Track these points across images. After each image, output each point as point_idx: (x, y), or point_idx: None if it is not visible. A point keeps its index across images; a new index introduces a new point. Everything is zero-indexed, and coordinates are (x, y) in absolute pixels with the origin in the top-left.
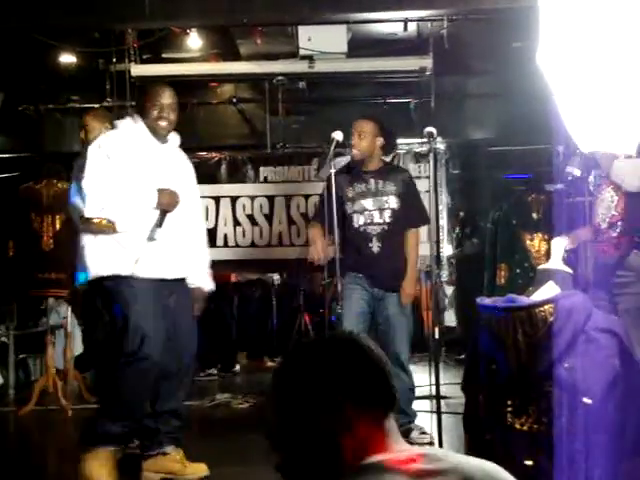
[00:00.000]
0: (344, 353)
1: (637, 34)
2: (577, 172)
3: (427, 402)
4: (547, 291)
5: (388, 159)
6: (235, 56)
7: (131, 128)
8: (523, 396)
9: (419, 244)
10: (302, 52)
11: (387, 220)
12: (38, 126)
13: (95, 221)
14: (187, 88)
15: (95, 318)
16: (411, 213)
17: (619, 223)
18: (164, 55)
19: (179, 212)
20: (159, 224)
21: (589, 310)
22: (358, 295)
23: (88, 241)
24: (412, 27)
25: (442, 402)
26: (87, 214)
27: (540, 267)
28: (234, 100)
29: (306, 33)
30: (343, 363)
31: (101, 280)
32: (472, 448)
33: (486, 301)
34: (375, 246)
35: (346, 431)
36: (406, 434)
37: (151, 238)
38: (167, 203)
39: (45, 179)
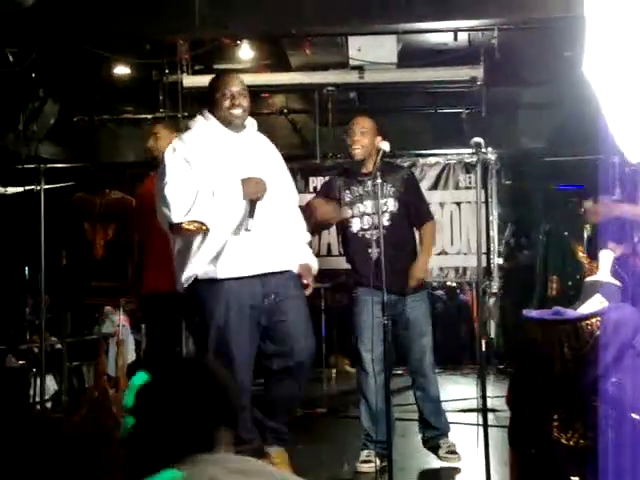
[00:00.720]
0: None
1: None
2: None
3: (474, 415)
4: (595, 304)
5: (439, 169)
6: (286, 67)
7: (204, 125)
8: (569, 411)
9: (434, 235)
10: (352, 62)
11: (385, 224)
12: (92, 136)
13: (184, 226)
14: None
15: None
16: (418, 210)
17: None
18: (216, 66)
19: (269, 199)
20: (251, 214)
21: (637, 324)
22: (371, 306)
23: (177, 247)
24: (463, 37)
25: (490, 415)
26: (174, 220)
27: (588, 279)
28: (285, 111)
29: (356, 43)
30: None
31: (190, 286)
32: (517, 462)
33: (533, 313)
34: (374, 252)
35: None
36: (435, 449)
37: (246, 229)
38: (254, 192)
39: (98, 189)
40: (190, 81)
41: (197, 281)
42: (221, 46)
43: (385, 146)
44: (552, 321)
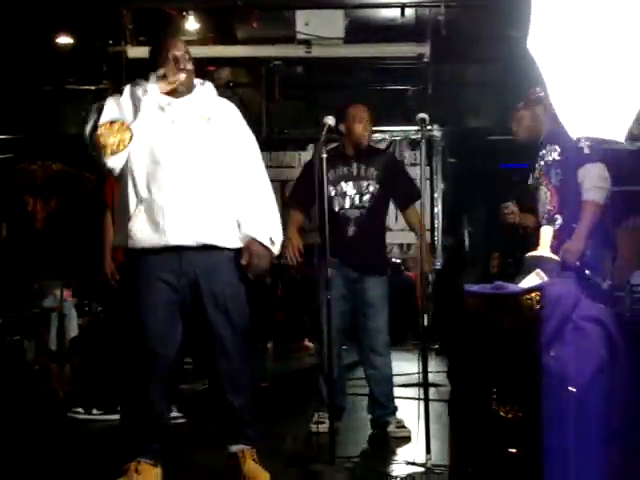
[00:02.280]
0: None
1: (629, 17)
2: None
3: (416, 390)
4: (535, 279)
5: (384, 145)
6: (232, 40)
7: (136, 90)
8: (508, 384)
9: (419, 215)
10: (299, 37)
11: (366, 205)
12: (35, 107)
13: (102, 130)
14: None
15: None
16: (403, 191)
17: (557, 216)
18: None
19: (193, 167)
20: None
21: (577, 298)
22: (338, 281)
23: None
24: (410, 13)
25: (433, 390)
26: (88, 130)
27: (528, 255)
28: (231, 84)
29: (303, 17)
30: None
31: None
32: (456, 435)
33: (474, 288)
34: (351, 230)
35: None
36: (384, 427)
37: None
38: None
39: (40, 160)
40: (134, 52)
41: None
42: (167, 17)
43: (330, 121)
44: (493, 295)
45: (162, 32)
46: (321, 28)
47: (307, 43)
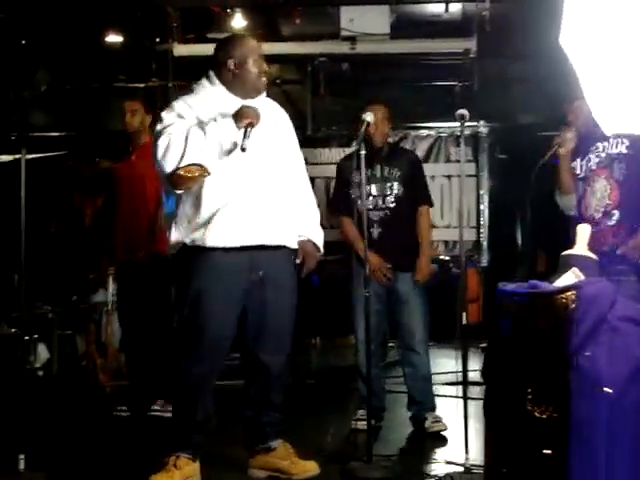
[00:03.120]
0: None
1: None
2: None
3: (455, 388)
4: (570, 278)
5: (430, 142)
6: (278, 37)
7: (208, 90)
8: (543, 384)
9: (430, 223)
10: (344, 33)
11: (390, 206)
12: (83, 105)
13: (181, 173)
14: None
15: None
16: (417, 193)
17: (614, 212)
18: (209, 35)
19: (267, 170)
20: (247, 135)
21: (612, 298)
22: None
23: (165, 210)
24: (456, 8)
25: (475, 388)
26: (168, 169)
27: (564, 253)
28: (277, 81)
29: (348, 14)
30: None
31: (176, 254)
32: (491, 435)
33: (508, 287)
34: (376, 232)
35: None
36: (422, 423)
37: (242, 149)
38: (246, 116)
39: (88, 158)
40: (181, 50)
41: (185, 248)
42: (213, 15)
43: (369, 117)
44: (527, 295)
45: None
46: (366, 24)
47: (352, 39)
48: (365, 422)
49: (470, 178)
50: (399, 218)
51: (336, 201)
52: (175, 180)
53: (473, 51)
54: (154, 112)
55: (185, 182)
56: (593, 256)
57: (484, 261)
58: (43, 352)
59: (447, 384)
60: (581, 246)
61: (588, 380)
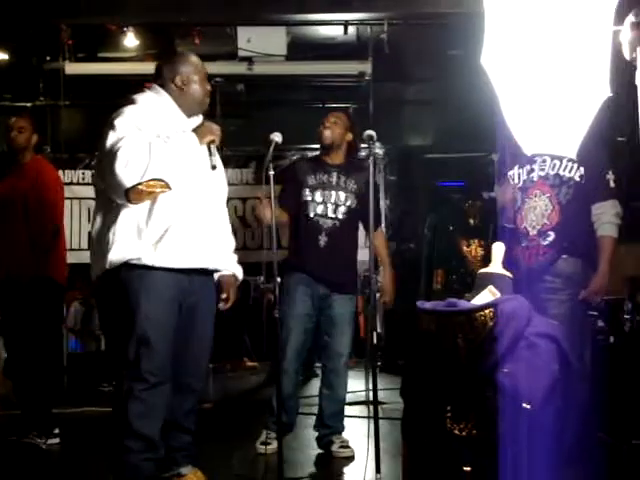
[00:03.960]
0: None
1: (580, 37)
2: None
3: (362, 408)
4: (487, 295)
5: None
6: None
7: (155, 100)
8: (463, 401)
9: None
10: (241, 53)
11: (340, 217)
12: None
13: (142, 187)
14: (123, 88)
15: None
16: (374, 214)
17: (550, 232)
18: (100, 54)
19: (211, 192)
20: (212, 153)
21: (529, 315)
22: (302, 296)
23: (99, 226)
24: (351, 31)
25: (379, 407)
26: (129, 183)
27: (480, 271)
28: None
29: (246, 34)
30: None
31: (115, 270)
32: (410, 454)
33: (426, 305)
34: (322, 240)
35: None
36: (328, 446)
37: (212, 166)
38: (209, 133)
39: None
40: (72, 68)
41: (125, 266)
42: (105, 33)
43: (277, 137)
44: (446, 312)
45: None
46: (263, 45)
47: (249, 60)
48: (272, 445)
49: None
50: (346, 232)
51: (285, 199)
52: (133, 194)
53: (368, 73)
54: (39, 133)
55: (143, 197)
56: (509, 274)
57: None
58: None
59: (348, 404)
60: (497, 264)
61: (507, 396)
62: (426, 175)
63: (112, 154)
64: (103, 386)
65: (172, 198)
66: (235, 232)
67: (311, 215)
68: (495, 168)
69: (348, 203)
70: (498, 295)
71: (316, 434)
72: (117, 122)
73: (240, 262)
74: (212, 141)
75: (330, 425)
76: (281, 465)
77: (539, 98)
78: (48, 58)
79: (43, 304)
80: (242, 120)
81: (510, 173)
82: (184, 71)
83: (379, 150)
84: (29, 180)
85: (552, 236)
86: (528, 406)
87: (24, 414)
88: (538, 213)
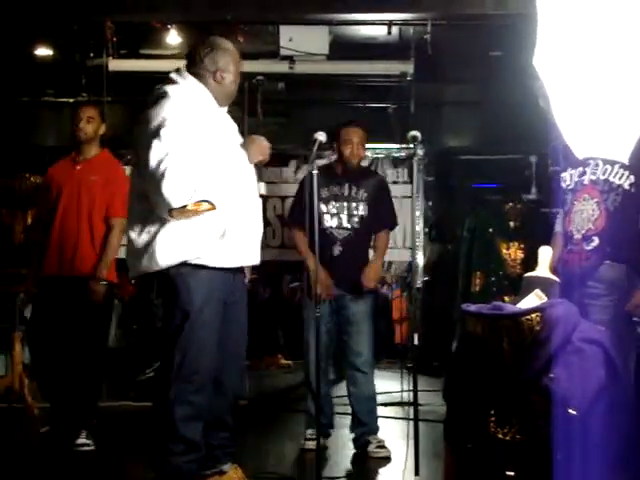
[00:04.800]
0: None
1: (635, 40)
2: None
3: (397, 409)
4: (534, 299)
5: (366, 163)
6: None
7: (195, 88)
8: (507, 406)
9: (388, 243)
10: (283, 52)
11: (354, 226)
12: (12, 119)
13: (191, 208)
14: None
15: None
16: (382, 215)
17: (594, 238)
18: (142, 51)
19: (251, 192)
20: (259, 178)
21: (576, 320)
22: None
23: (161, 223)
24: (394, 31)
25: (409, 409)
26: (177, 205)
27: (527, 275)
28: None
29: (288, 33)
30: None
31: (167, 269)
32: (452, 457)
33: (472, 308)
34: (337, 250)
35: None
36: (364, 447)
37: (260, 194)
38: (259, 152)
39: (18, 173)
40: (116, 65)
41: (181, 265)
42: (148, 30)
43: (322, 137)
44: (491, 316)
45: None
46: (305, 44)
47: (290, 59)
48: (310, 443)
49: (406, 199)
50: (360, 240)
51: (296, 213)
52: (176, 213)
53: (410, 74)
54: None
55: (188, 216)
56: (555, 278)
57: (418, 282)
58: None
59: (384, 405)
60: (543, 268)
61: (554, 401)
62: (465, 176)
63: (159, 172)
64: (140, 379)
65: (227, 201)
66: (274, 231)
67: (324, 227)
68: (532, 171)
69: (361, 212)
70: (545, 299)
71: (352, 435)
72: (163, 132)
73: (278, 260)
74: (262, 161)
75: (364, 423)
76: (319, 464)
77: (593, 101)
78: (92, 55)
79: (102, 305)
80: (282, 118)
81: (563, 175)
82: (224, 64)
83: (420, 151)
84: (101, 176)
85: (596, 241)
86: (574, 412)
87: (71, 411)
88: (584, 217)
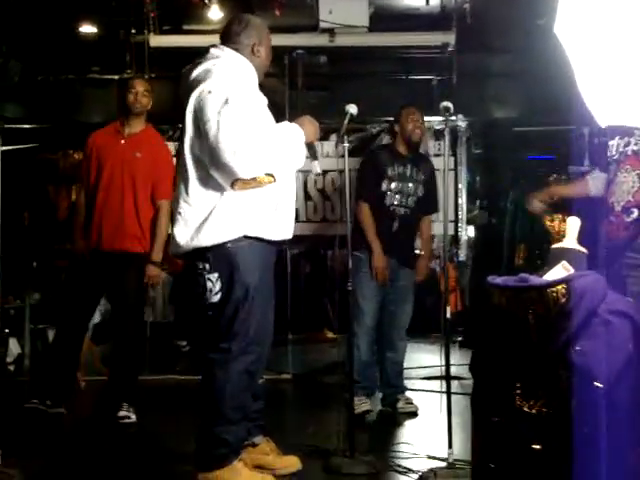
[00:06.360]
0: None
1: None
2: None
3: (439, 382)
4: (560, 271)
5: None
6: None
7: (244, 64)
8: (533, 379)
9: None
10: (323, 25)
11: (411, 205)
12: (56, 96)
13: (257, 179)
14: None
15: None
16: (430, 201)
17: (634, 210)
18: (184, 27)
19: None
20: (314, 156)
21: (603, 291)
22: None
23: (220, 200)
24: (435, 2)
25: (455, 383)
26: (247, 176)
27: (554, 246)
28: None
29: (327, 5)
30: None
31: (222, 244)
32: (479, 430)
33: (497, 280)
34: (395, 226)
35: None
36: (393, 405)
37: (317, 173)
38: (313, 132)
39: (61, 150)
40: (157, 41)
41: (239, 239)
42: (189, 6)
43: (353, 109)
44: (517, 288)
45: None
46: (345, 16)
47: (330, 32)
48: (364, 406)
49: (448, 172)
50: (414, 218)
51: (366, 189)
52: (239, 184)
53: (452, 45)
54: None
55: (250, 187)
56: (583, 249)
57: (462, 255)
58: (14, 347)
59: (426, 378)
60: (571, 239)
61: (580, 374)
62: (512, 148)
63: (230, 142)
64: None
65: (281, 173)
66: (315, 205)
67: (387, 204)
68: (584, 142)
69: (418, 193)
70: (572, 271)
71: (380, 394)
72: (232, 104)
73: (320, 234)
74: (314, 140)
75: (395, 385)
76: (352, 437)
77: (619, 68)
78: (133, 31)
79: (137, 277)
80: (324, 92)
81: (610, 143)
82: (258, 38)
83: (461, 122)
84: (146, 153)
85: (635, 213)
86: (601, 385)
87: (113, 383)
88: (625, 189)
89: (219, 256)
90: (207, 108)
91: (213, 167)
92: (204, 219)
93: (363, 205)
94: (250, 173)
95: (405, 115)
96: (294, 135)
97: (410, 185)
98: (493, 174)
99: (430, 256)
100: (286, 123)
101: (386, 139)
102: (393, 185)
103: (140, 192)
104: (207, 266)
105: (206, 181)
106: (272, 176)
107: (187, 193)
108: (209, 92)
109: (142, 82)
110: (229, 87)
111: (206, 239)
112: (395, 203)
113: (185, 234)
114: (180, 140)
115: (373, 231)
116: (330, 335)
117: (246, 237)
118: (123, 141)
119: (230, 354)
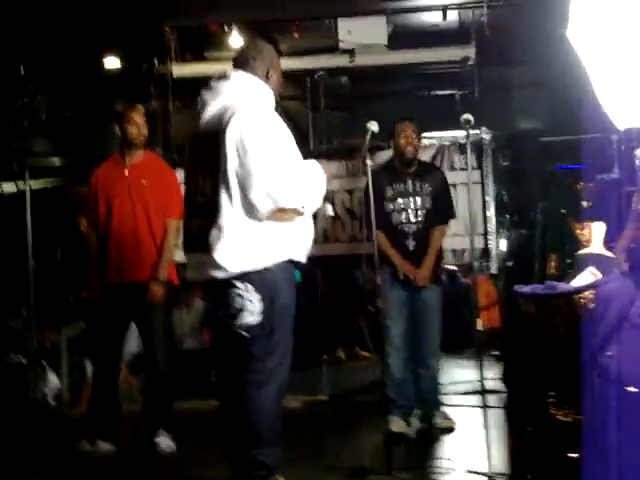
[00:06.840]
0: None
1: None
2: None
3: (479, 397)
4: (588, 276)
5: (433, 151)
6: (276, 53)
7: (264, 90)
8: (565, 386)
9: (444, 236)
10: (342, 46)
11: (421, 219)
12: (83, 130)
13: (295, 210)
14: None
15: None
16: (441, 210)
17: None
18: (206, 54)
19: None
20: (326, 198)
21: (632, 295)
22: (398, 287)
23: (253, 228)
24: (453, 16)
25: (494, 397)
26: (288, 206)
27: (579, 252)
28: (277, 98)
29: (346, 26)
30: None
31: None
32: (515, 441)
33: (525, 289)
34: (411, 244)
35: None
36: (430, 421)
37: (330, 215)
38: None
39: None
40: (180, 70)
41: (285, 263)
42: (210, 34)
43: (374, 127)
44: (545, 296)
45: None
46: (364, 36)
47: (350, 52)
48: (400, 426)
49: (475, 185)
50: (428, 232)
51: (375, 216)
52: (277, 213)
53: (472, 58)
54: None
55: (284, 219)
56: (609, 254)
57: (493, 268)
58: (53, 380)
59: (463, 394)
60: (597, 245)
61: (611, 379)
62: (539, 159)
63: (272, 173)
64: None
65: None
66: (342, 224)
67: (394, 224)
68: (613, 149)
69: (426, 205)
70: (599, 276)
71: (418, 411)
72: (270, 135)
73: (349, 254)
74: None
75: (431, 401)
76: (389, 454)
77: (630, 70)
78: (156, 62)
79: (163, 305)
80: (346, 113)
81: (637, 152)
82: (272, 63)
83: (485, 135)
84: (150, 179)
85: None
86: (633, 389)
87: (147, 413)
88: None
89: (263, 278)
90: (250, 138)
91: (255, 194)
92: (250, 243)
93: (378, 233)
94: (292, 203)
95: (397, 131)
96: (320, 174)
97: (415, 199)
98: (521, 185)
99: (433, 265)
100: (314, 161)
101: None
102: (395, 204)
103: (153, 218)
104: (249, 287)
105: (245, 209)
106: (302, 209)
107: (230, 218)
108: (251, 123)
109: (139, 113)
110: (264, 117)
111: (255, 263)
112: (402, 221)
113: (230, 258)
114: (210, 165)
115: (391, 250)
116: (363, 353)
117: (288, 261)
118: (127, 171)
119: (263, 375)
